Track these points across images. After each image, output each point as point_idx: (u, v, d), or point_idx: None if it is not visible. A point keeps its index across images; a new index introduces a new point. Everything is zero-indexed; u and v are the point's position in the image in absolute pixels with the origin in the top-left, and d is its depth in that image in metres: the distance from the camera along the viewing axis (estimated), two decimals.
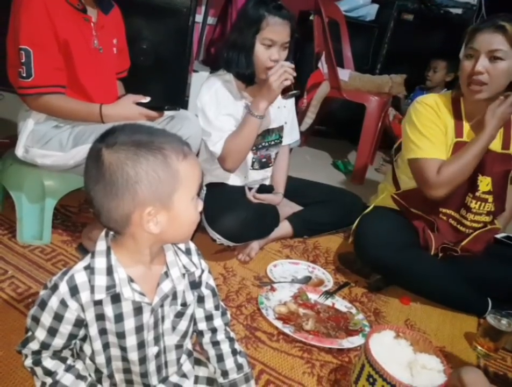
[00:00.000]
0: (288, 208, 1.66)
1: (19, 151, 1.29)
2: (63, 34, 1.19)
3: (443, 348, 1.24)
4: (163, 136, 0.66)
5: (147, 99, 1.28)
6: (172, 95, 2.46)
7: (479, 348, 1.24)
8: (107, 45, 1.31)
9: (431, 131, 1.33)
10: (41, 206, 1.33)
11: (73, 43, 1.21)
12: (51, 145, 1.25)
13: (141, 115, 1.26)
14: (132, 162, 0.62)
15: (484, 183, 1.36)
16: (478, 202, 1.38)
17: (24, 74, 1.17)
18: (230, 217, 1.38)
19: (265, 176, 1.62)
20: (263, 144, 1.55)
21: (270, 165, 1.61)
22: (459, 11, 2.92)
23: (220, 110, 1.41)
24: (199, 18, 2.97)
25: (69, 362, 0.73)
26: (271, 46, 1.33)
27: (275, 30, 1.31)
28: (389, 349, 0.96)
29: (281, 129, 1.59)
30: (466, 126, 1.36)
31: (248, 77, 1.40)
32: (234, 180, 1.55)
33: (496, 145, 1.37)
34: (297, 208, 1.67)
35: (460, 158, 1.30)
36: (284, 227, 1.61)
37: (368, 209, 1.56)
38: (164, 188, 0.64)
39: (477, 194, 1.37)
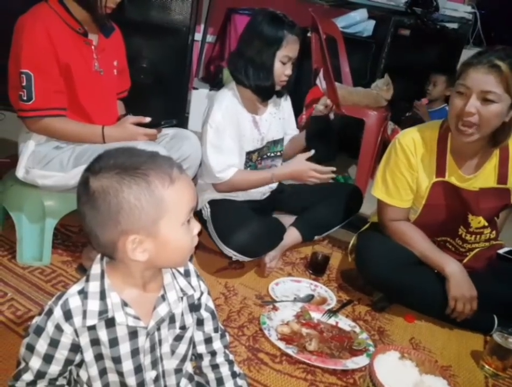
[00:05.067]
0: (288, 218, 1.67)
1: (20, 172, 1.29)
2: (64, 58, 1.20)
3: (449, 368, 1.22)
4: (151, 162, 0.64)
5: (147, 120, 1.28)
6: (173, 112, 2.47)
7: (486, 367, 1.22)
8: (107, 68, 1.33)
9: (395, 178, 1.35)
10: (41, 226, 1.32)
11: (74, 67, 1.22)
12: (52, 165, 1.26)
13: (140, 135, 1.26)
14: (114, 191, 0.61)
15: (476, 221, 1.32)
16: (473, 235, 1.35)
17: (25, 98, 1.18)
18: (243, 232, 1.37)
19: (270, 187, 1.62)
20: (269, 154, 1.59)
21: None
22: (454, 25, 2.95)
23: (231, 128, 1.43)
24: (198, 36, 3.01)
25: None
26: (286, 63, 1.39)
27: (293, 48, 1.37)
28: (394, 371, 0.94)
29: (282, 141, 1.62)
30: (450, 164, 1.30)
31: (269, 90, 1.44)
32: (236, 196, 1.55)
33: (489, 181, 1.31)
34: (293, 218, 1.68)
35: (408, 240, 1.35)
36: (292, 234, 1.60)
37: (366, 226, 1.55)
38: (147, 217, 0.62)
39: (470, 229, 1.33)
